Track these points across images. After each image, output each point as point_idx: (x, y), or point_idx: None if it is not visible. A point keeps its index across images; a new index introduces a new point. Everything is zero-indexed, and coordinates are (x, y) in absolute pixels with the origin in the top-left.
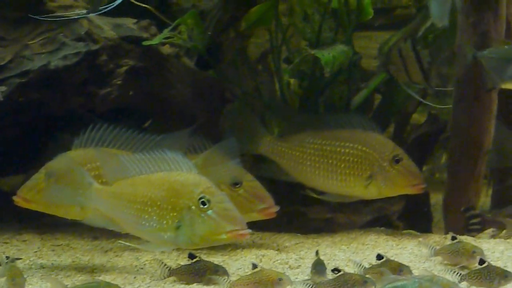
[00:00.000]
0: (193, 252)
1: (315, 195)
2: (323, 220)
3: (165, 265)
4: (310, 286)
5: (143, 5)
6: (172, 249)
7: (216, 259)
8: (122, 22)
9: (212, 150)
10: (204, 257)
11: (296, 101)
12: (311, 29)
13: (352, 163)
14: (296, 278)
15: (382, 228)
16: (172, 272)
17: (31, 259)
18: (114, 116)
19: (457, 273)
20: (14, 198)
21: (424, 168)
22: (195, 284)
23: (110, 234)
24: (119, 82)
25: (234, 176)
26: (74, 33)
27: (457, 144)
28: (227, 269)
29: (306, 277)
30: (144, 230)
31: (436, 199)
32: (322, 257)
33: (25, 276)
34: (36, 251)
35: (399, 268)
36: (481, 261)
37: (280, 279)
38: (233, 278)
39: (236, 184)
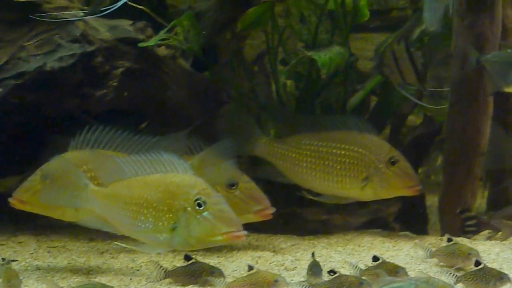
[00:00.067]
0: (189, 253)
1: (311, 197)
2: (319, 221)
3: (161, 267)
4: (306, 287)
5: (139, 7)
6: (168, 251)
7: (212, 260)
8: (118, 23)
9: (207, 151)
10: (200, 258)
11: (292, 103)
12: (308, 30)
13: (348, 164)
14: (292, 280)
15: (378, 229)
16: (168, 274)
17: (27, 260)
18: (110, 117)
19: (453, 275)
20: (10, 199)
21: (420, 169)
22: (191, 285)
23: (106, 236)
24: (115, 84)
25: (230, 177)
26: (69, 34)
27: (453, 146)
28: (223, 270)
29: (302, 279)
30: (140, 231)
31: (432, 201)
32: (318, 259)
33: (21, 277)
34: (32, 253)
35: (395, 270)
36: (477, 263)
37: (276, 281)
38: (229, 279)
39: (232, 185)
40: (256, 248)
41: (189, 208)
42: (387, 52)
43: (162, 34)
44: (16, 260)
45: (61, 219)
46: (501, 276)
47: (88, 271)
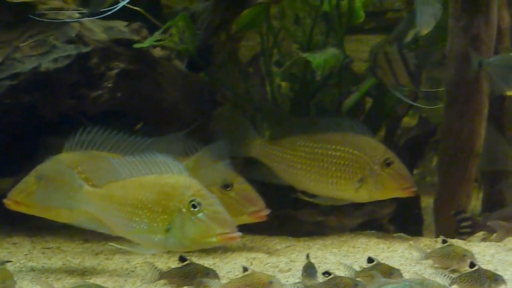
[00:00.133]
0: (184, 255)
1: (306, 198)
2: (314, 223)
3: (156, 268)
4: None
5: (135, 8)
6: (163, 252)
7: (207, 262)
8: (113, 24)
9: (202, 152)
10: (195, 260)
11: (287, 104)
12: (303, 32)
13: (343, 166)
14: (287, 281)
15: (373, 231)
16: (162, 275)
17: (22, 261)
18: (105, 118)
19: (448, 276)
20: (5, 200)
21: (415, 171)
22: (185, 287)
23: (100, 237)
24: (110, 85)
25: (225, 178)
26: (65, 35)
27: (448, 147)
28: (217, 272)
29: (297, 280)
30: (135, 232)
31: (427, 202)
32: (313, 260)
33: (15, 278)
34: (26, 254)
35: (389, 271)
36: (472, 265)
37: (270, 282)
38: (224, 281)
39: (227, 186)
40: (251, 249)
41: (183, 209)
42: (380, 53)
43: (157, 35)
44: (11, 261)
45: (56, 220)
46: (495, 278)
47: (83, 272)
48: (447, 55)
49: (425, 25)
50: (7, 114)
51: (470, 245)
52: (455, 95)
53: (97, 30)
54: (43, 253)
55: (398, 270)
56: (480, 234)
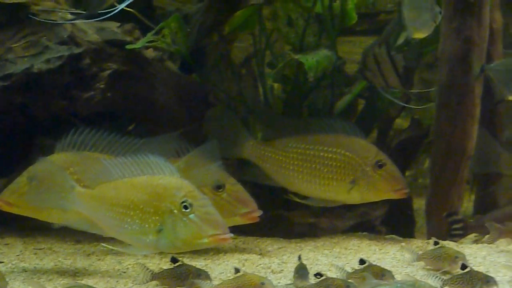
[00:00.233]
0: (175, 256)
1: (298, 200)
2: (306, 224)
3: (148, 269)
4: None
5: (127, 9)
6: (155, 253)
7: (198, 263)
8: (105, 25)
9: (194, 153)
10: (187, 261)
11: (279, 106)
12: (295, 33)
13: (335, 167)
14: (279, 283)
15: (365, 233)
16: (154, 276)
17: (13, 262)
18: (98, 119)
19: (439, 278)
20: None
21: (407, 173)
22: None
23: (92, 238)
24: (102, 86)
25: (217, 179)
26: (57, 36)
27: (440, 149)
28: (209, 273)
29: (289, 282)
30: (127, 233)
31: (419, 204)
32: (304, 262)
33: (7, 279)
34: (18, 255)
35: (381, 273)
36: (463, 266)
37: (262, 284)
38: (216, 282)
39: (219, 187)
40: (242, 250)
41: (175, 211)
42: (369, 56)
43: (149, 36)
44: (2, 262)
45: (48, 221)
46: (487, 280)
47: (75, 273)
48: (439, 57)
49: (423, 29)
50: None
51: (462, 247)
52: (447, 97)
53: (90, 31)
54: (35, 253)
55: (390, 271)
56: (472, 236)
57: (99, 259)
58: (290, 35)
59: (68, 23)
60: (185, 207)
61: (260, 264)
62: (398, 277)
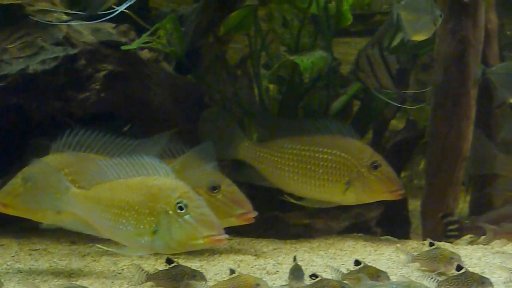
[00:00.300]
0: (170, 257)
1: (293, 201)
2: (301, 225)
3: (143, 270)
4: None
5: (123, 10)
6: (150, 254)
7: (194, 264)
8: (101, 26)
9: (189, 154)
10: (182, 262)
11: (275, 107)
12: (290, 34)
13: (331, 169)
14: (274, 284)
15: (360, 234)
16: (149, 277)
17: (9, 263)
18: (93, 120)
19: (435, 279)
20: None
21: (403, 174)
22: None
23: (87, 239)
24: (97, 87)
25: (212, 180)
26: (52, 37)
27: (435, 150)
28: (204, 274)
29: (284, 283)
30: (122, 234)
31: (415, 205)
32: (300, 263)
33: (2, 280)
34: (13, 256)
35: (376, 274)
36: (459, 267)
37: (258, 285)
38: (211, 283)
39: (214, 188)
40: (238, 251)
41: (170, 211)
42: (362, 57)
43: (145, 37)
44: None
45: (42, 222)
46: (482, 281)
47: (70, 274)
48: (435, 57)
49: (422, 31)
50: None
51: (457, 248)
52: (442, 98)
53: (85, 32)
54: (30, 255)
55: (385, 272)
56: (467, 237)
57: (94, 260)
58: (285, 36)
59: (65, 24)
60: (180, 208)
61: (255, 265)
62: (393, 278)
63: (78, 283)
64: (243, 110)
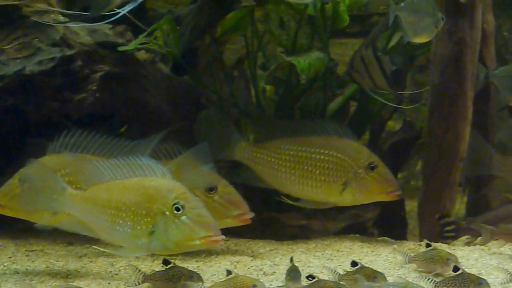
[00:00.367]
0: (167, 258)
1: (290, 202)
2: (298, 226)
3: (140, 271)
4: None
5: (119, 11)
6: (147, 255)
7: (190, 265)
8: (97, 27)
9: (186, 155)
10: (179, 263)
11: (271, 108)
12: (287, 35)
13: (327, 169)
14: (271, 285)
15: (357, 235)
16: (146, 278)
17: (5, 264)
18: (89, 121)
19: (432, 280)
20: None
21: (399, 175)
22: None
23: (84, 240)
24: (94, 88)
25: (209, 181)
26: (49, 38)
27: (432, 151)
28: (201, 275)
29: (281, 284)
30: (118, 235)
31: (411, 206)
32: (296, 264)
33: None
34: (10, 257)
35: (373, 275)
36: (456, 268)
37: (254, 286)
38: (208, 284)
39: (211, 190)
40: (234, 252)
41: (167, 212)
42: (356, 57)
43: (141, 38)
44: None
45: (40, 223)
46: (479, 282)
47: (67, 275)
48: (431, 58)
49: (423, 34)
50: None
51: (454, 249)
52: (439, 99)
53: (82, 33)
54: (27, 255)
55: (382, 273)
56: (464, 238)
57: (91, 261)
58: (282, 37)
59: (64, 25)
60: (177, 209)
61: (252, 266)
62: (390, 279)
63: (75, 284)
64: (239, 111)
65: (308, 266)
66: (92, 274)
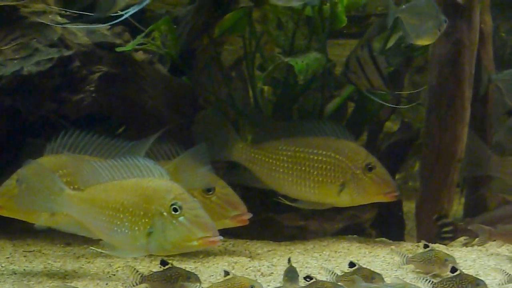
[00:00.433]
0: (165, 258)
1: (287, 202)
2: (296, 227)
3: (137, 271)
4: None
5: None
6: (144, 256)
7: (188, 266)
8: (95, 28)
9: (184, 156)
10: (177, 263)
11: (269, 108)
12: (285, 36)
13: (325, 170)
14: (269, 286)
15: (354, 235)
16: (144, 278)
17: (3, 265)
18: (87, 122)
19: (429, 281)
20: None
21: (397, 176)
22: None
23: (82, 240)
24: (92, 88)
25: (207, 182)
26: (47, 39)
27: (430, 152)
28: (199, 276)
29: (279, 285)
30: (116, 236)
31: (409, 207)
32: (294, 265)
33: None
34: (8, 257)
35: (371, 276)
36: (453, 269)
37: (252, 287)
38: (205, 285)
39: (208, 190)
40: (232, 253)
41: (165, 213)
42: (352, 58)
43: (139, 38)
44: None
45: (37, 223)
46: (477, 283)
47: (64, 276)
48: (429, 59)
49: (426, 36)
50: None
51: (451, 250)
52: (437, 100)
53: (80, 34)
54: (25, 256)
55: (379, 274)
56: (462, 239)
57: (88, 262)
58: (280, 37)
59: (63, 26)
60: (175, 210)
61: (250, 267)
62: (388, 280)
63: (72, 284)
64: (237, 111)
65: (306, 267)
66: (90, 274)
